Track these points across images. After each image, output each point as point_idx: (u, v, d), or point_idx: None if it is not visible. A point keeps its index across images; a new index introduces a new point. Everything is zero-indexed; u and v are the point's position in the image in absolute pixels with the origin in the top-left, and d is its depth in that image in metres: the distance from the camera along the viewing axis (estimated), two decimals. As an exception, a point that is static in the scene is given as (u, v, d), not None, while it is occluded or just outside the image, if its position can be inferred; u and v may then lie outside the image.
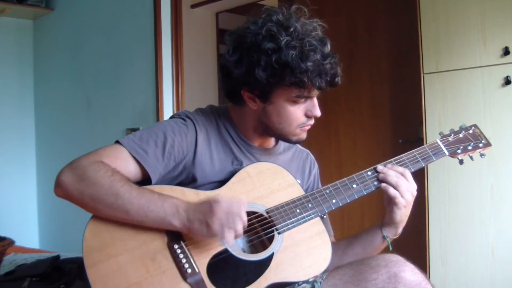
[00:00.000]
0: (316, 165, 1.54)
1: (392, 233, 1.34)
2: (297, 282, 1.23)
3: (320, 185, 1.54)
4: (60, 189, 1.17)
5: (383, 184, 1.29)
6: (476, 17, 2.23)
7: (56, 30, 3.70)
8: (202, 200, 1.17)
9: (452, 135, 1.42)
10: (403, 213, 1.30)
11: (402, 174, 1.30)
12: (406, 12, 2.58)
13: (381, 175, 1.30)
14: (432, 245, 2.36)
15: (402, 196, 1.28)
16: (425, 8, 2.37)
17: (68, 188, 1.15)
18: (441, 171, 2.33)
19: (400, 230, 1.34)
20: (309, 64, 1.20)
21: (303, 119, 1.29)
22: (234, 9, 3.96)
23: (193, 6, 3.88)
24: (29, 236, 3.75)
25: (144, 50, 3.12)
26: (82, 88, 3.52)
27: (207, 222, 1.11)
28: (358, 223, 2.96)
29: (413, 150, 1.38)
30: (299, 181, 1.45)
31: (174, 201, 1.16)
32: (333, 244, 1.31)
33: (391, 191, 1.28)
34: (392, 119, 2.85)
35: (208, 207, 1.13)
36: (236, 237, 1.13)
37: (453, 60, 2.30)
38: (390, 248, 1.33)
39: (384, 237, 1.33)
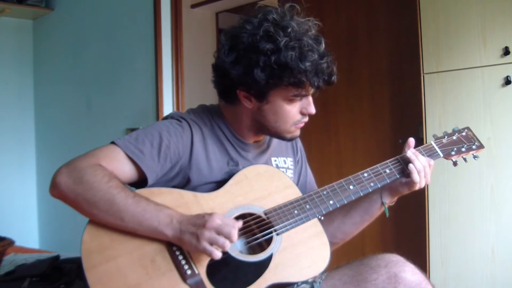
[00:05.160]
0: (299, 139, 1.55)
1: (389, 200, 1.39)
2: (296, 283, 1.23)
3: (306, 159, 1.57)
4: (56, 190, 1.16)
5: (411, 166, 1.32)
6: (476, 17, 2.23)
7: (56, 30, 3.70)
8: (197, 213, 1.16)
9: (446, 137, 1.44)
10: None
11: (430, 165, 1.34)
12: (406, 12, 2.57)
13: (412, 157, 1.32)
14: (432, 245, 2.36)
15: (420, 184, 1.33)
16: (425, 8, 2.37)
17: (64, 190, 1.15)
18: (441, 171, 2.33)
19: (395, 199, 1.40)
20: (307, 64, 1.20)
21: (298, 116, 1.30)
22: (234, 9, 3.97)
23: (193, 6, 3.88)
24: (29, 236, 3.75)
25: (144, 50, 3.12)
26: (82, 88, 3.51)
27: (197, 235, 1.11)
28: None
29: None
30: (291, 159, 1.47)
31: (170, 212, 1.16)
32: (329, 214, 1.33)
33: (415, 176, 1.31)
34: (392, 119, 2.85)
35: (201, 220, 1.13)
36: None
37: (453, 60, 2.30)
38: (387, 215, 1.37)
39: (382, 203, 1.37)
